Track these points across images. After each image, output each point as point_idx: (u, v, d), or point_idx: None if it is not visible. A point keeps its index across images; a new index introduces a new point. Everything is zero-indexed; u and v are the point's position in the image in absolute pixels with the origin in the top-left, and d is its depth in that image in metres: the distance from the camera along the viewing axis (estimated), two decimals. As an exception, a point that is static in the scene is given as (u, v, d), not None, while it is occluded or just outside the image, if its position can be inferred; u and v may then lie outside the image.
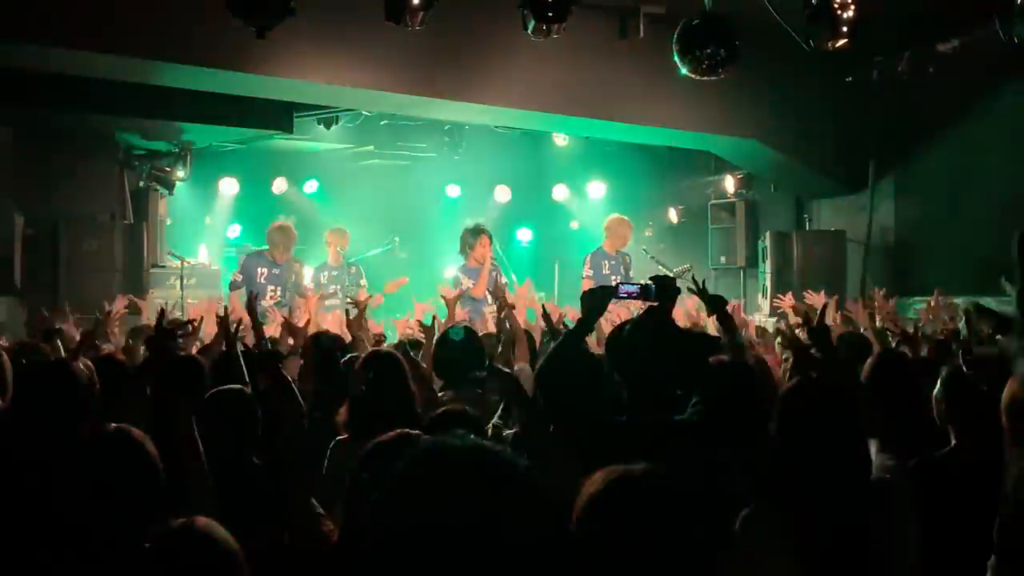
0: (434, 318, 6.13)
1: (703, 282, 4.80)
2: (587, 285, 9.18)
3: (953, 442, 3.56)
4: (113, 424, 2.79)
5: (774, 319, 8.93)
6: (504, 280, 9.43)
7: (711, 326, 5.90)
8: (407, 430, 3.07)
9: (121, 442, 2.68)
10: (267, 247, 9.88)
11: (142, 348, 5.41)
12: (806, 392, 2.91)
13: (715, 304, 4.48)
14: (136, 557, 2.23)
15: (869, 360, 4.20)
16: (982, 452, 3.38)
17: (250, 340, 5.57)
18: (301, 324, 6.16)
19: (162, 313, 4.61)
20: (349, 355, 5.10)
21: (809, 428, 2.75)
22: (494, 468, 1.47)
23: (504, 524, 1.40)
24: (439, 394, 4.79)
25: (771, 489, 2.76)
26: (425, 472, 1.46)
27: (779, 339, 5.88)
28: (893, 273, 10.70)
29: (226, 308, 5.79)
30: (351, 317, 6.29)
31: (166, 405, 3.36)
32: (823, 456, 2.70)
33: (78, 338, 5.49)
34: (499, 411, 4.03)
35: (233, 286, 9.50)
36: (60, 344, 5.54)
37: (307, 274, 10.66)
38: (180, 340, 4.51)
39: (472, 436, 1.55)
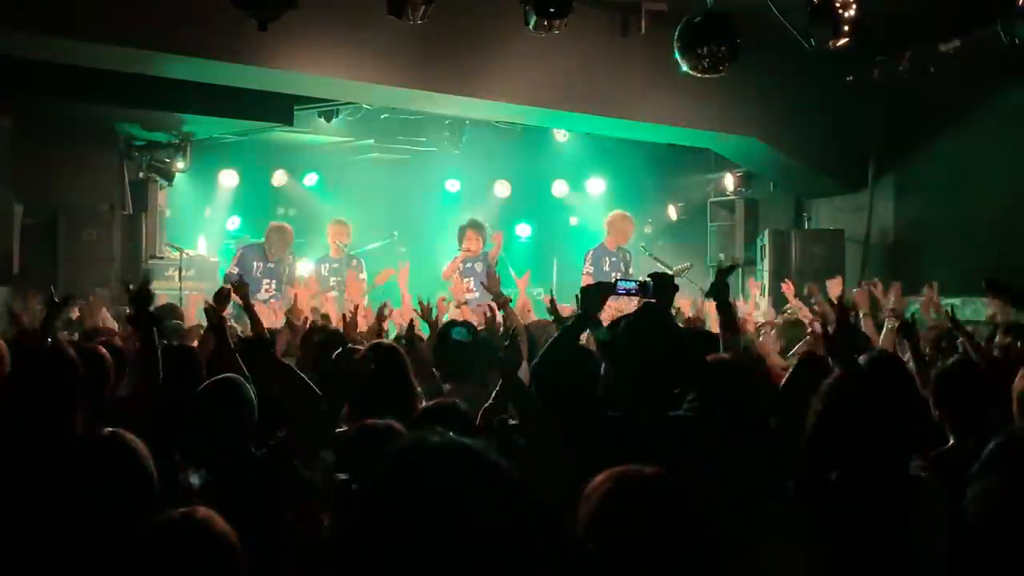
0: (430, 309, 6.18)
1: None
2: (587, 281, 9.18)
3: (951, 441, 3.56)
4: (108, 429, 2.78)
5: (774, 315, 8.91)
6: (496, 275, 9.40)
7: (713, 324, 5.89)
8: (374, 421, 3.07)
9: (115, 447, 2.68)
10: (265, 243, 9.93)
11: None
12: (843, 385, 2.90)
13: (717, 292, 4.35)
14: (135, 547, 2.24)
15: (863, 358, 4.20)
16: (979, 451, 3.38)
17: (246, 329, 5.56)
18: (298, 319, 6.15)
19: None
20: (346, 347, 5.08)
21: (845, 422, 2.74)
22: (471, 466, 1.47)
23: (481, 520, 1.41)
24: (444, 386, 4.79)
25: (801, 484, 2.75)
26: (403, 470, 1.47)
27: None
28: (892, 273, 10.67)
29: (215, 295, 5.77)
30: (346, 321, 6.28)
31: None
32: (858, 450, 2.69)
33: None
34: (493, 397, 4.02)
35: (228, 278, 9.48)
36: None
37: (301, 267, 10.68)
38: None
39: (451, 432, 1.55)
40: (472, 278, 9.61)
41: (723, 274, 4.55)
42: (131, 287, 4.34)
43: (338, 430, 4.00)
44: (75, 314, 6.43)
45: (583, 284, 8.00)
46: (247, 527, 2.38)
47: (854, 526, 2.67)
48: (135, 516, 2.46)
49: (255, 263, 9.66)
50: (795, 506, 2.79)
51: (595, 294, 3.48)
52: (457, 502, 1.42)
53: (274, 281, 9.64)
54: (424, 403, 4.10)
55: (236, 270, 9.57)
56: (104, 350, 4.57)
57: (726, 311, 4.23)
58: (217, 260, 12.00)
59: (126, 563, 2.24)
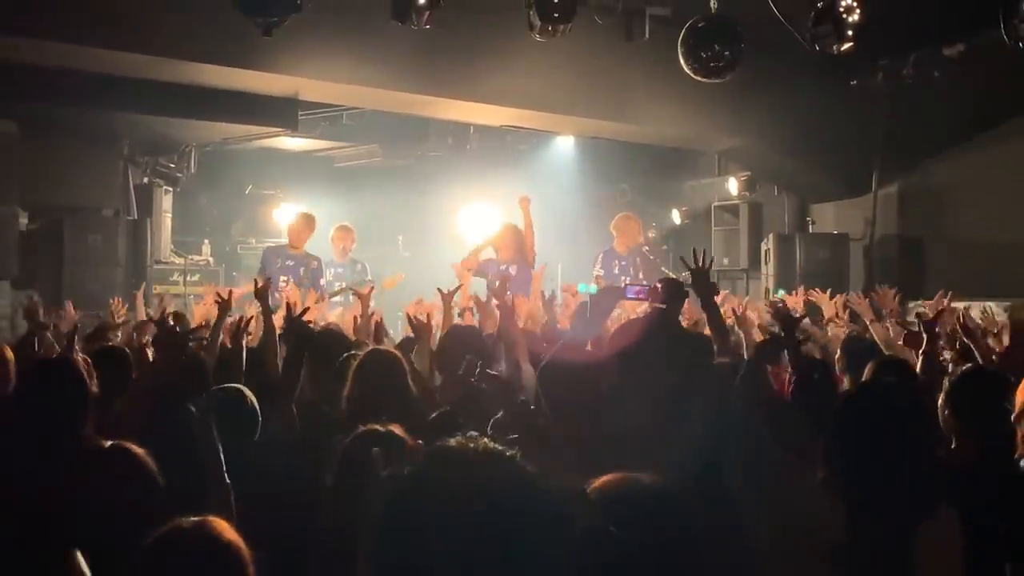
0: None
1: (709, 262, 4.32)
2: (598, 284, 9.16)
3: (953, 445, 3.56)
4: (111, 441, 2.78)
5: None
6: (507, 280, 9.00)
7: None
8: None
9: (121, 458, 2.68)
10: (286, 240, 9.98)
11: (147, 344, 5.42)
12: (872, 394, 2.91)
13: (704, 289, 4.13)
14: (145, 556, 2.24)
15: (871, 364, 4.21)
16: (984, 455, 3.41)
17: (257, 333, 5.55)
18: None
19: (171, 315, 4.64)
20: (348, 352, 5.09)
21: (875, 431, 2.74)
22: (505, 472, 1.47)
23: (513, 528, 1.41)
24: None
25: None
26: (437, 474, 1.47)
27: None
28: (896, 277, 10.68)
29: (230, 292, 5.81)
30: (358, 323, 6.27)
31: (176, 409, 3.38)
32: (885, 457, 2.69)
33: (69, 329, 5.50)
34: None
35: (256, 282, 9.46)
36: (52, 337, 5.56)
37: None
38: (191, 343, 4.54)
39: (483, 439, 1.54)
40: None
41: (702, 274, 4.29)
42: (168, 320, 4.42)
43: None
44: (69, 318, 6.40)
45: (595, 287, 7.99)
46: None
47: (869, 532, 2.66)
48: (143, 528, 2.46)
49: (275, 260, 9.73)
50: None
51: (604, 299, 3.49)
52: (492, 509, 1.41)
53: (291, 277, 9.64)
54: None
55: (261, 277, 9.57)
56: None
57: (712, 310, 4.16)
58: (221, 266, 12.01)
59: (136, 572, 2.24)
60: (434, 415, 3.73)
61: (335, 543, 2.65)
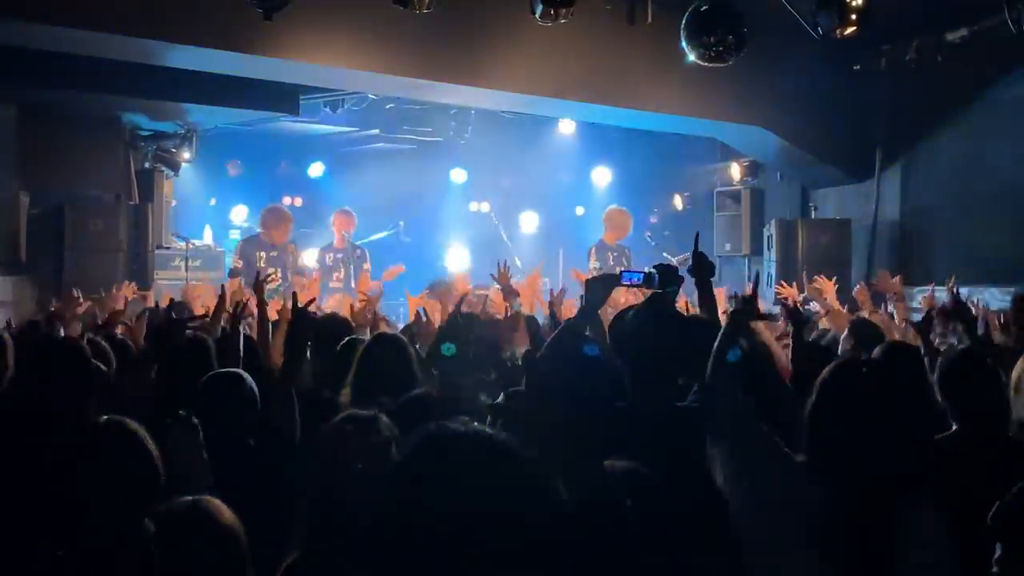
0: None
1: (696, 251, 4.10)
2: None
3: (954, 427, 3.57)
4: (106, 416, 2.77)
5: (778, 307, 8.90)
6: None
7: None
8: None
9: (117, 435, 2.67)
10: (262, 230, 9.93)
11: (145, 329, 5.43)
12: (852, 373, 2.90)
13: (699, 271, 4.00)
14: (141, 535, 2.24)
15: (879, 347, 4.20)
16: (983, 436, 3.42)
17: (253, 323, 5.55)
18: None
19: (171, 304, 4.64)
20: (350, 337, 5.09)
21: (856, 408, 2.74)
22: (500, 456, 1.47)
23: (509, 511, 1.41)
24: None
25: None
26: (430, 459, 1.46)
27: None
28: (898, 262, 10.67)
29: (223, 287, 5.81)
30: (355, 309, 6.26)
31: (168, 392, 3.39)
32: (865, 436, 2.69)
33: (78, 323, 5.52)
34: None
35: (234, 273, 9.44)
36: (61, 326, 5.57)
37: (306, 256, 10.67)
38: (189, 331, 4.54)
39: (475, 423, 1.54)
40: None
41: (702, 255, 4.27)
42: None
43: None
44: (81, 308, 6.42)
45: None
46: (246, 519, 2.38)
47: (857, 517, 2.66)
48: (142, 502, 2.46)
49: (258, 253, 9.66)
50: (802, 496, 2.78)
51: (600, 286, 3.47)
52: (487, 493, 1.41)
53: (279, 270, 9.63)
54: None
55: (240, 264, 9.57)
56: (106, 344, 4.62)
57: (705, 289, 4.12)
58: (223, 250, 11.99)
59: (134, 552, 2.24)
60: (408, 396, 3.72)
61: (324, 527, 2.65)
